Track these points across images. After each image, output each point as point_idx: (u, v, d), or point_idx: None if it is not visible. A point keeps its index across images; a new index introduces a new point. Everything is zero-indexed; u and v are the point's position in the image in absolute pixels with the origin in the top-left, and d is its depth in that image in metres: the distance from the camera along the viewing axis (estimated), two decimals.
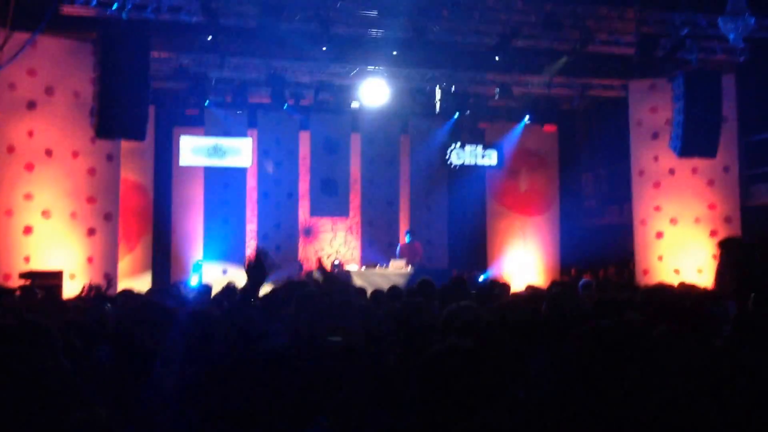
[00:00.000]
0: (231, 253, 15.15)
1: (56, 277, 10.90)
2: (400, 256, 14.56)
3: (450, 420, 2.34)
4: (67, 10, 11.41)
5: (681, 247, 13.79)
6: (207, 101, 14.92)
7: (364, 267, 15.09)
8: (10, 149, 11.48)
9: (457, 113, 15.89)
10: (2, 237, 11.36)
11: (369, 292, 7.95)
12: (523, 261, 16.45)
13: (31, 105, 11.59)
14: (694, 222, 13.91)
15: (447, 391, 2.38)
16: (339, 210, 16.46)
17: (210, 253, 15.39)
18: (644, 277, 13.76)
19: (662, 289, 4.45)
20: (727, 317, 4.48)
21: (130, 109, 11.09)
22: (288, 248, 16.00)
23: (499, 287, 7.75)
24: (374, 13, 12.36)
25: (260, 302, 5.15)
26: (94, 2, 11.44)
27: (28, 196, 11.49)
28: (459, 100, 15.47)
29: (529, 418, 2.44)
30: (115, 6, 11.36)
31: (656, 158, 14.15)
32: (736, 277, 4.52)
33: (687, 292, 5.79)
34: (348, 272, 14.71)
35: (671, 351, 3.04)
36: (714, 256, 8.01)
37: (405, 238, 15.35)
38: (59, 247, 11.61)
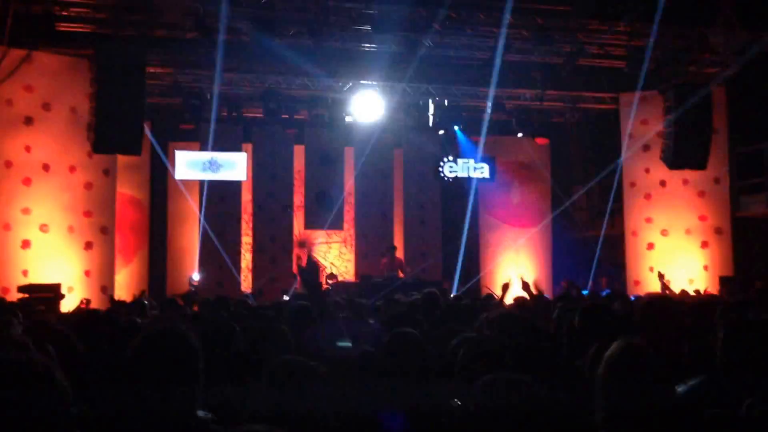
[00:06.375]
0: (227, 266, 15.21)
1: (54, 290, 10.90)
2: (389, 270, 14.65)
3: None
4: (64, 26, 11.56)
5: (672, 258, 13.84)
6: (202, 116, 15.00)
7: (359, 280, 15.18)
8: (8, 164, 11.56)
9: (456, 127, 16.00)
10: (0, 251, 11.44)
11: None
12: (515, 273, 16.46)
13: (29, 120, 11.66)
14: (685, 233, 14.02)
15: None
16: (333, 223, 16.51)
17: (206, 266, 15.43)
18: (635, 288, 13.86)
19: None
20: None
21: (126, 124, 11.23)
22: (283, 261, 16.09)
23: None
24: (367, 28, 12.50)
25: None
26: (91, 19, 11.58)
27: (26, 211, 11.55)
28: (452, 113, 15.59)
29: None
30: (110, 22, 11.50)
31: (647, 170, 14.27)
32: None
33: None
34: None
35: None
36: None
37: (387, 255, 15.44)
38: (57, 261, 11.66)
